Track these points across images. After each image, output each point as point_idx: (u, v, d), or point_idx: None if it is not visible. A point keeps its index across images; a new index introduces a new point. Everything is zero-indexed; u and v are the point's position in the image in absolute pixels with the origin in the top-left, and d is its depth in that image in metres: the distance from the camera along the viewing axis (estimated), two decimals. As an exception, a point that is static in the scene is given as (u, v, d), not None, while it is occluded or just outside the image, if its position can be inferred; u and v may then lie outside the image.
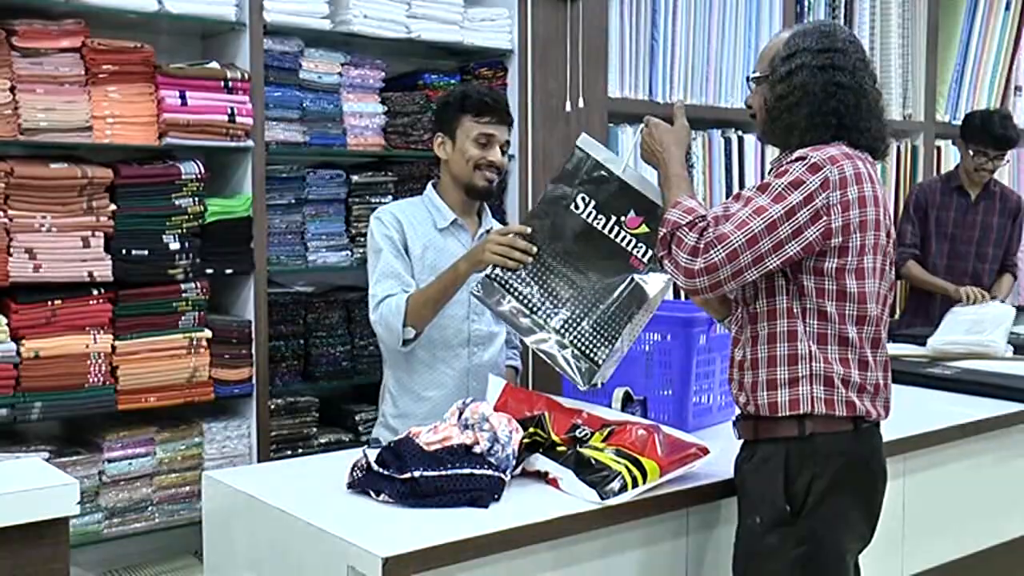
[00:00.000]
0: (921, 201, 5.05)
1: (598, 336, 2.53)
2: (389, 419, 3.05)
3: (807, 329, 2.23)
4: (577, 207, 2.60)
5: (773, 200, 2.18)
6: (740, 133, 4.86)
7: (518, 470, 2.33)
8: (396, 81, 3.97)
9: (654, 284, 2.53)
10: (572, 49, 4.19)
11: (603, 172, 2.59)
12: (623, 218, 2.55)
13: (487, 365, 3.02)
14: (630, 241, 2.55)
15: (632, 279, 2.54)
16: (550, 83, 4.15)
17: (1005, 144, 4.84)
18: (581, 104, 4.22)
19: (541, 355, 2.57)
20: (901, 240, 5.02)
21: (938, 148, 5.85)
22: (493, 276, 2.63)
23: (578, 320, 2.54)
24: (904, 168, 5.66)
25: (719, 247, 2.17)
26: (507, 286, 2.62)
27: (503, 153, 3.02)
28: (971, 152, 4.90)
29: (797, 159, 2.21)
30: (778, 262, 2.18)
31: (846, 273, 2.21)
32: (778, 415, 2.24)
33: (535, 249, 2.62)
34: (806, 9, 5.06)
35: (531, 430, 2.40)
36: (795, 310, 2.23)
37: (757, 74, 2.39)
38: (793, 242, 2.17)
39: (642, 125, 2.54)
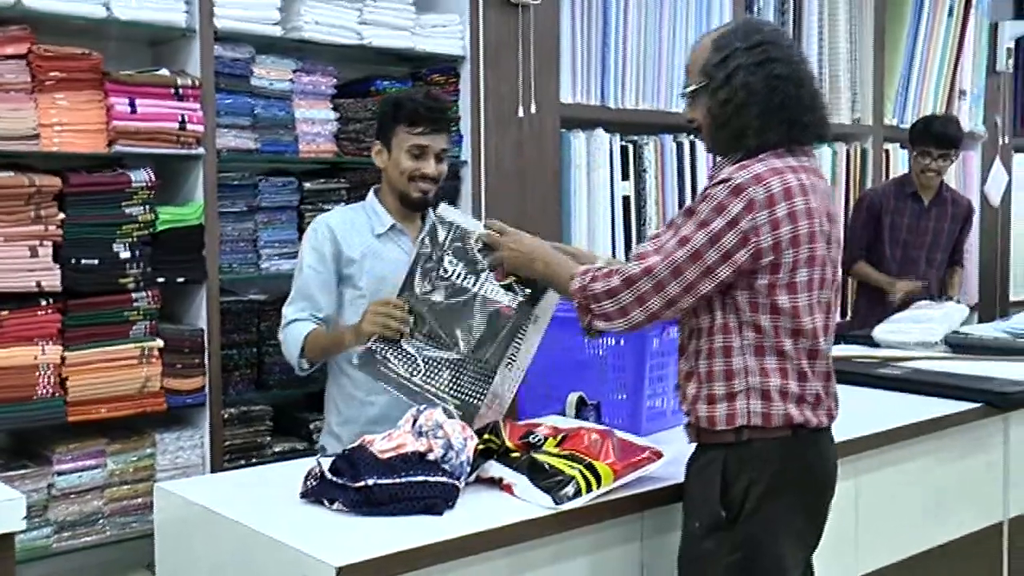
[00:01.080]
0: (876, 205, 5.10)
1: (477, 382, 2.63)
2: (334, 426, 3.05)
3: (743, 343, 2.23)
4: (446, 271, 2.67)
5: (697, 227, 2.18)
6: (692, 138, 4.89)
7: (472, 477, 2.33)
8: (348, 87, 3.95)
9: (522, 319, 2.61)
10: (524, 54, 4.20)
11: (465, 234, 2.66)
12: (491, 273, 2.63)
13: None
14: (498, 292, 2.62)
15: (505, 327, 2.61)
16: (502, 88, 4.16)
17: (946, 142, 4.92)
18: (533, 109, 4.23)
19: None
20: (851, 243, 5.10)
21: (887, 151, 5.93)
22: (374, 348, 2.70)
23: (458, 377, 2.64)
24: (853, 171, 5.74)
25: (646, 279, 2.20)
26: (386, 357, 2.69)
27: (440, 161, 3.01)
28: (915, 154, 4.99)
29: (720, 182, 2.20)
30: (711, 286, 2.19)
31: (778, 289, 2.20)
32: (716, 428, 2.25)
33: (412, 320, 2.67)
34: (756, 14, 5.10)
35: (485, 436, 2.40)
36: (731, 325, 2.23)
37: (693, 87, 2.33)
38: (723, 266, 2.17)
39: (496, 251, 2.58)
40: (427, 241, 2.70)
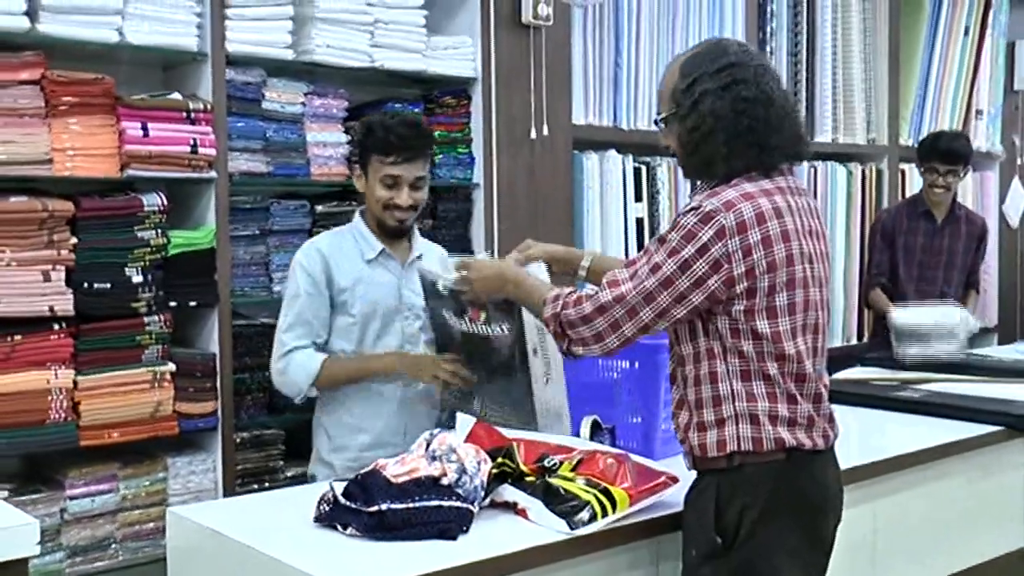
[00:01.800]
0: (888, 227, 5.05)
1: (520, 404, 2.72)
2: (323, 454, 3.02)
3: (730, 368, 2.20)
4: (450, 320, 2.82)
5: (668, 255, 2.16)
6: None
7: (487, 501, 2.31)
8: (360, 110, 3.94)
9: (520, 339, 2.66)
10: (536, 76, 4.20)
11: (436, 288, 2.77)
12: (467, 315, 2.74)
13: (422, 394, 3.00)
14: (482, 328, 2.72)
15: (514, 351, 2.67)
16: (514, 110, 4.16)
17: (952, 158, 4.84)
18: (546, 131, 4.22)
19: None
20: (871, 268, 5.07)
21: (902, 171, 5.91)
22: (449, 399, 2.92)
23: (504, 406, 2.76)
24: (869, 191, 5.71)
25: (618, 306, 2.20)
26: (459, 400, 2.88)
27: (417, 189, 2.95)
28: (923, 170, 4.95)
29: (691, 210, 2.18)
30: (684, 311, 2.17)
31: (755, 314, 2.17)
32: (708, 456, 2.23)
33: (473, 377, 2.82)
34: (768, 36, 5.10)
35: (499, 460, 2.38)
36: (716, 350, 2.21)
37: (663, 114, 2.31)
38: (696, 292, 2.15)
39: (463, 273, 2.64)
40: (427, 295, 2.84)
